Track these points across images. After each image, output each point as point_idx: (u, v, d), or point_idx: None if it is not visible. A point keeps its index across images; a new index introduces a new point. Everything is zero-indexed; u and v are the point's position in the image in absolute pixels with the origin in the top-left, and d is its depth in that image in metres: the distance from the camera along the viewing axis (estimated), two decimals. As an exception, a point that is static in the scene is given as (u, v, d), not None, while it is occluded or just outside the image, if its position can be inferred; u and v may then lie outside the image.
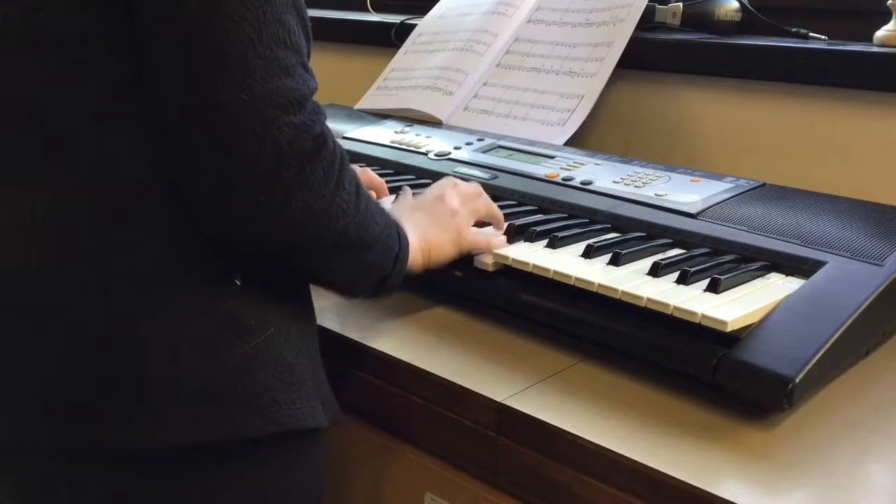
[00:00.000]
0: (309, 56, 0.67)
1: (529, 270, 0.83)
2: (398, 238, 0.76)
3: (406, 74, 1.42)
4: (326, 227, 0.67)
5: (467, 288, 0.89)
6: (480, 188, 0.92)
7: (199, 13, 0.60)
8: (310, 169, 0.64)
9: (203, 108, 0.61)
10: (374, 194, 0.99)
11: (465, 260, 0.87)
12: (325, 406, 0.73)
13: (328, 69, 1.62)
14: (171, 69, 0.61)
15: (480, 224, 0.90)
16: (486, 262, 0.86)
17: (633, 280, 0.78)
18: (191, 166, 0.63)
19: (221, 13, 0.60)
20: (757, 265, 0.81)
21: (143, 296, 0.64)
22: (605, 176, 1.01)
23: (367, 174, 1.01)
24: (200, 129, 0.61)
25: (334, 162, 0.67)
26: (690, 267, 0.78)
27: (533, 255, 0.85)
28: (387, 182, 1.03)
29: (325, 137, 0.66)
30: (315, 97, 0.67)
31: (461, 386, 0.74)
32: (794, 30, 1.18)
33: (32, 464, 0.68)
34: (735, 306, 0.72)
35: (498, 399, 0.72)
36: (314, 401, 0.71)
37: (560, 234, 0.87)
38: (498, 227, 0.90)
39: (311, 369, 0.72)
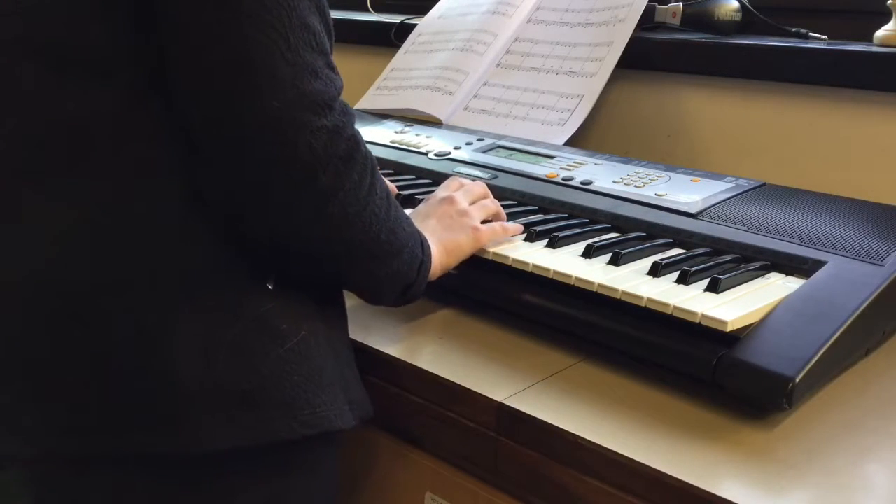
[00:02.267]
0: (331, 53, 0.67)
1: (529, 270, 0.83)
2: (422, 246, 0.77)
3: (406, 74, 1.42)
4: (361, 231, 0.67)
5: (467, 288, 0.89)
6: (486, 187, 0.93)
7: (223, 25, 0.59)
8: (346, 172, 0.64)
9: (234, 119, 0.61)
10: None
11: (465, 259, 0.87)
12: (351, 405, 0.72)
13: (328, 69, 1.62)
14: (197, 83, 0.61)
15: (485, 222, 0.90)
16: (487, 250, 0.86)
17: (633, 280, 0.78)
18: (226, 177, 0.63)
19: (246, 23, 0.59)
20: (757, 265, 0.81)
21: (175, 301, 0.64)
22: (605, 176, 1.01)
23: None
24: (233, 141, 0.61)
25: (367, 165, 0.67)
26: (690, 267, 0.78)
27: (533, 255, 0.85)
28: (390, 181, 1.04)
29: (357, 140, 0.66)
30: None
31: (461, 386, 0.74)
32: (794, 30, 1.18)
33: (61, 469, 0.67)
34: (735, 306, 0.72)
35: (498, 399, 0.72)
36: (341, 401, 0.71)
37: (560, 234, 0.87)
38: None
39: (338, 369, 0.72)
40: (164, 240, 0.65)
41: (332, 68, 0.65)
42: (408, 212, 0.90)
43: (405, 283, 0.75)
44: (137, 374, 0.63)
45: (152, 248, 0.64)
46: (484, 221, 0.88)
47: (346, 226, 0.66)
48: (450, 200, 0.88)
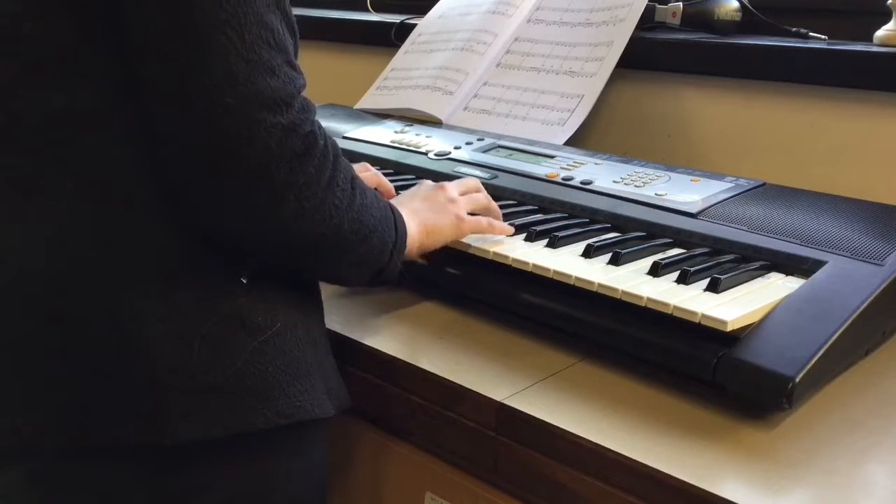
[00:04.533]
0: (296, 53, 0.68)
1: (529, 270, 0.83)
2: (395, 228, 0.77)
3: (406, 74, 1.42)
4: (320, 225, 0.68)
5: (467, 287, 0.89)
6: (479, 182, 0.93)
7: (179, 21, 0.60)
8: (300, 168, 0.65)
9: (190, 113, 0.61)
10: None
11: (465, 259, 0.87)
12: (330, 394, 0.74)
13: (328, 69, 1.62)
14: (156, 77, 0.62)
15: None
16: (487, 249, 0.86)
17: (633, 280, 0.78)
18: (183, 170, 0.64)
19: (201, 20, 0.60)
20: (757, 265, 0.81)
21: (151, 296, 0.65)
22: (605, 176, 1.01)
23: (378, 178, 1.01)
24: (189, 135, 0.62)
25: (326, 160, 0.67)
26: (690, 266, 0.78)
27: (533, 254, 0.85)
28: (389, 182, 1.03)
29: (314, 136, 0.66)
30: (309, 95, 0.68)
31: (461, 386, 0.74)
32: (794, 30, 1.18)
33: (42, 460, 0.68)
34: (735, 306, 0.72)
35: (498, 399, 0.72)
36: (319, 391, 0.72)
37: (560, 234, 0.87)
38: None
39: (316, 359, 0.73)
40: (141, 236, 0.66)
41: (293, 66, 0.66)
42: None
43: (375, 267, 0.76)
44: (115, 368, 0.65)
45: (129, 245, 0.65)
46: (473, 215, 0.89)
47: (303, 220, 0.66)
48: (440, 187, 0.89)
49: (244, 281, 0.69)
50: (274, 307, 0.70)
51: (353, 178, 0.71)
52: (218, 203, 0.65)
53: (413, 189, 0.90)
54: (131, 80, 0.64)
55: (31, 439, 0.66)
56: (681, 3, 1.24)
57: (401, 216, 0.79)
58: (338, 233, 0.69)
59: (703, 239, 0.86)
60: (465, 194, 0.90)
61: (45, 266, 0.65)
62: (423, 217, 0.84)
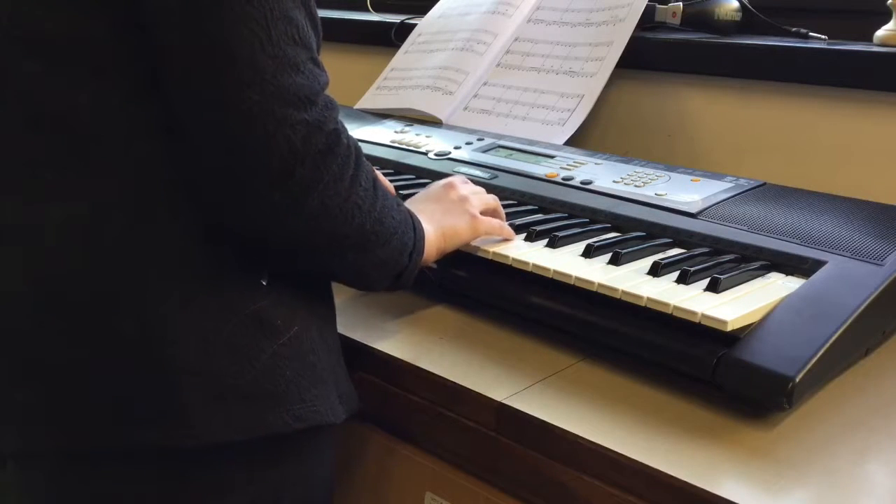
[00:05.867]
0: (318, 50, 0.67)
1: (529, 270, 0.83)
2: (413, 232, 0.77)
3: (406, 74, 1.42)
4: (342, 224, 0.68)
5: (467, 287, 0.89)
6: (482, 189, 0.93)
7: (204, 16, 0.60)
8: (324, 166, 0.64)
9: (214, 109, 0.61)
10: None
11: (465, 259, 0.87)
12: (341, 399, 0.73)
13: (328, 69, 1.62)
14: (180, 72, 0.62)
15: None
16: (487, 249, 0.86)
17: (633, 279, 0.78)
18: (207, 166, 0.64)
19: (227, 14, 0.60)
20: (757, 265, 0.81)
21: (173, 298, 0.65)
22: (605, 175, 1.01)
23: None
24: (213, 130, 0.62)
25: (349, 158, 0.67)
26: (690, 266, 0.78)
27: (533, 254, 0.85)
28: (388, 181, 1.03)
29: (338, 134, 0.66)
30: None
31: (461, 386, 0.74)
32: (794, 30, 1.18)
33: (61, 461, 0.68)
34: (735, 306, 0.72)
35: (498, 399, 0.72)
36: (332, 395, 0.72)
37: (560, 234, 0.87)
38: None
39: (329, 364, 0.73)
40: (163, 237, 0.65)
41: (317, 63, 0.66)
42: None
43: (395, 270, 0.76)
44: (137, 370, 0.64)
45: (150, 246, 0.65)
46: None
47: (326, 218, 0.66)
48: (450, 186, 0.88)
49: (264, 283, 0.68)
50: (292, 310, 0.70)
51: (375, 180, 0.71)
52: (243, 200, 0.64)
53: (423, 192, 0.89)
54: (153, 77, 0.63)
55: (51, 441, 0.66)
56: (681, 3, 1.24)
57: (419, 220, 0.79)
58: (360, 233, 0.69)
59: (703, 239, 0.86)
60: (475, 191, 0.89)
61: (67, 266, 0.64)
62: (439, 220, 0.84)
